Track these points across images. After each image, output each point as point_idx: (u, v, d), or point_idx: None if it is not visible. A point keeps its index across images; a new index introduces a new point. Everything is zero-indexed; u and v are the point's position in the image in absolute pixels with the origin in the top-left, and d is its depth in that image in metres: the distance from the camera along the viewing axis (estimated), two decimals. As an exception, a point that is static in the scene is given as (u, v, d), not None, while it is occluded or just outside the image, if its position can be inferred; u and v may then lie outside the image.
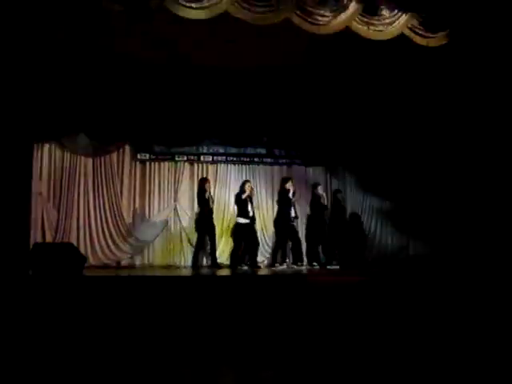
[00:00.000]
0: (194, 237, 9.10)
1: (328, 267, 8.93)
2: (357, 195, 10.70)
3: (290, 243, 9.19)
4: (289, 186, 8.95)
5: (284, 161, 10.45)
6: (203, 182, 8.98)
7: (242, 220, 8.79)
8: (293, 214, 8.94)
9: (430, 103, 9.36)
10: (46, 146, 9.07)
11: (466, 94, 9.14)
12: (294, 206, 9.05)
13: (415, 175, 10.05)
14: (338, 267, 8.99)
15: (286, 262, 9.10)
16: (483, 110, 8.90)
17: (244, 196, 8.76)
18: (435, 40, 8.74)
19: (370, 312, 4.82)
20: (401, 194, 10.30)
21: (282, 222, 8.95)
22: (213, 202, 8.96)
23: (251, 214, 8.81)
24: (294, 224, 9.17)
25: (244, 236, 8.84)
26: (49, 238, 8.77)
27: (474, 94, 9.02)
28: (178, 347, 3.31)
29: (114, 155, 9.55)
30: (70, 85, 8.74)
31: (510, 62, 8.42)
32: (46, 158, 9.07)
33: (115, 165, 9.53)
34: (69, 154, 9.21)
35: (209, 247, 8.97)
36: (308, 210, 9.70)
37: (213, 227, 8.88)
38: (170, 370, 2.78)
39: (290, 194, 8.89)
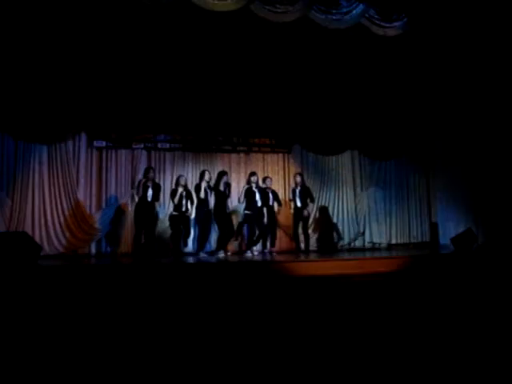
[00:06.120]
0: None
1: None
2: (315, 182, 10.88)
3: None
4: (225, 179, 8.97)
5: (242, 148, 10.50)
6: (147, 171, 8.72)
7: (175, 212, 8.70)
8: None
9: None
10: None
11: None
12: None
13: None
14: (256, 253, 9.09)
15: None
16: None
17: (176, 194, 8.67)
18: (392, 30, 8.99)
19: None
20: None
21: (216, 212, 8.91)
22: (156, 192, 8.68)
23: (184, 208, 8.65)
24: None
25: (178, 225, 8.69)
26: (2, 228, 8.55)
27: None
28: (133, 336, 3.34)
29: (70, 143, 9.37)
30: (22, 68, 8.52)
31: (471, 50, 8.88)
32: (-2, 146, 8.83)
33: (71, 153, 9.35)
34: (22, 142, 8.97)
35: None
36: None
37: (151, 219, 8.71)
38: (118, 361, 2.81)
39: (222, 187, 8.85)
